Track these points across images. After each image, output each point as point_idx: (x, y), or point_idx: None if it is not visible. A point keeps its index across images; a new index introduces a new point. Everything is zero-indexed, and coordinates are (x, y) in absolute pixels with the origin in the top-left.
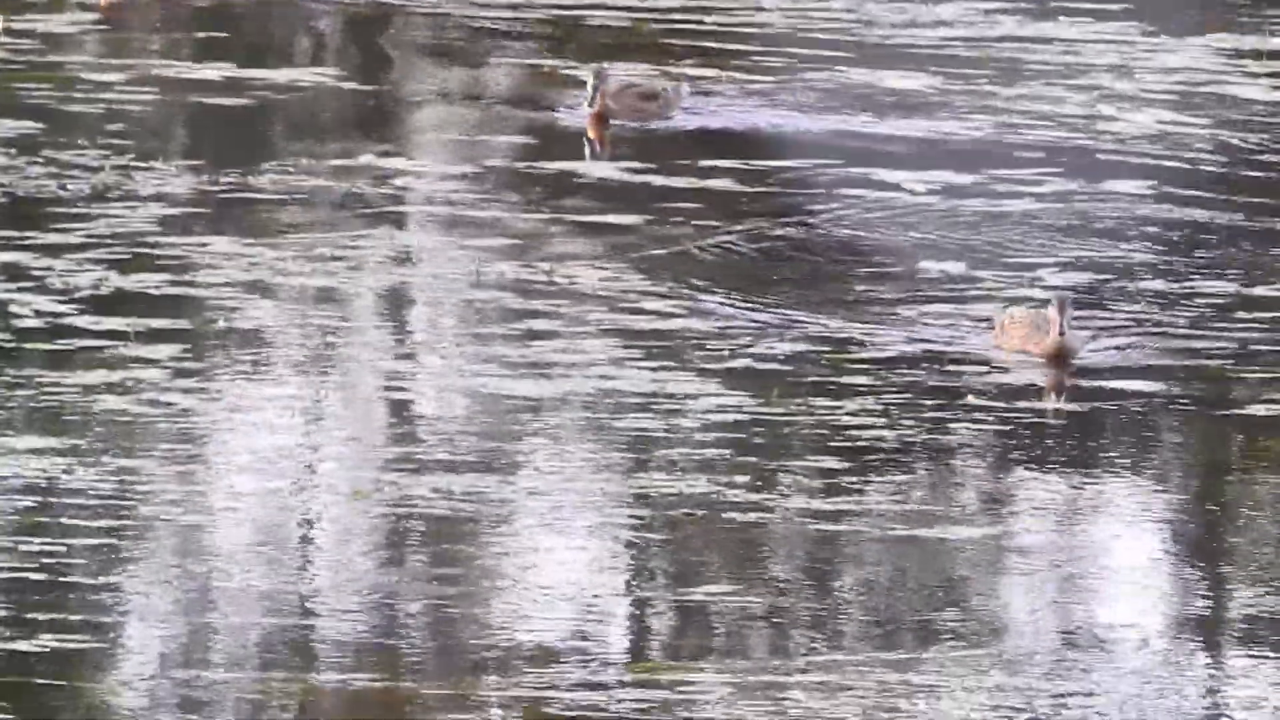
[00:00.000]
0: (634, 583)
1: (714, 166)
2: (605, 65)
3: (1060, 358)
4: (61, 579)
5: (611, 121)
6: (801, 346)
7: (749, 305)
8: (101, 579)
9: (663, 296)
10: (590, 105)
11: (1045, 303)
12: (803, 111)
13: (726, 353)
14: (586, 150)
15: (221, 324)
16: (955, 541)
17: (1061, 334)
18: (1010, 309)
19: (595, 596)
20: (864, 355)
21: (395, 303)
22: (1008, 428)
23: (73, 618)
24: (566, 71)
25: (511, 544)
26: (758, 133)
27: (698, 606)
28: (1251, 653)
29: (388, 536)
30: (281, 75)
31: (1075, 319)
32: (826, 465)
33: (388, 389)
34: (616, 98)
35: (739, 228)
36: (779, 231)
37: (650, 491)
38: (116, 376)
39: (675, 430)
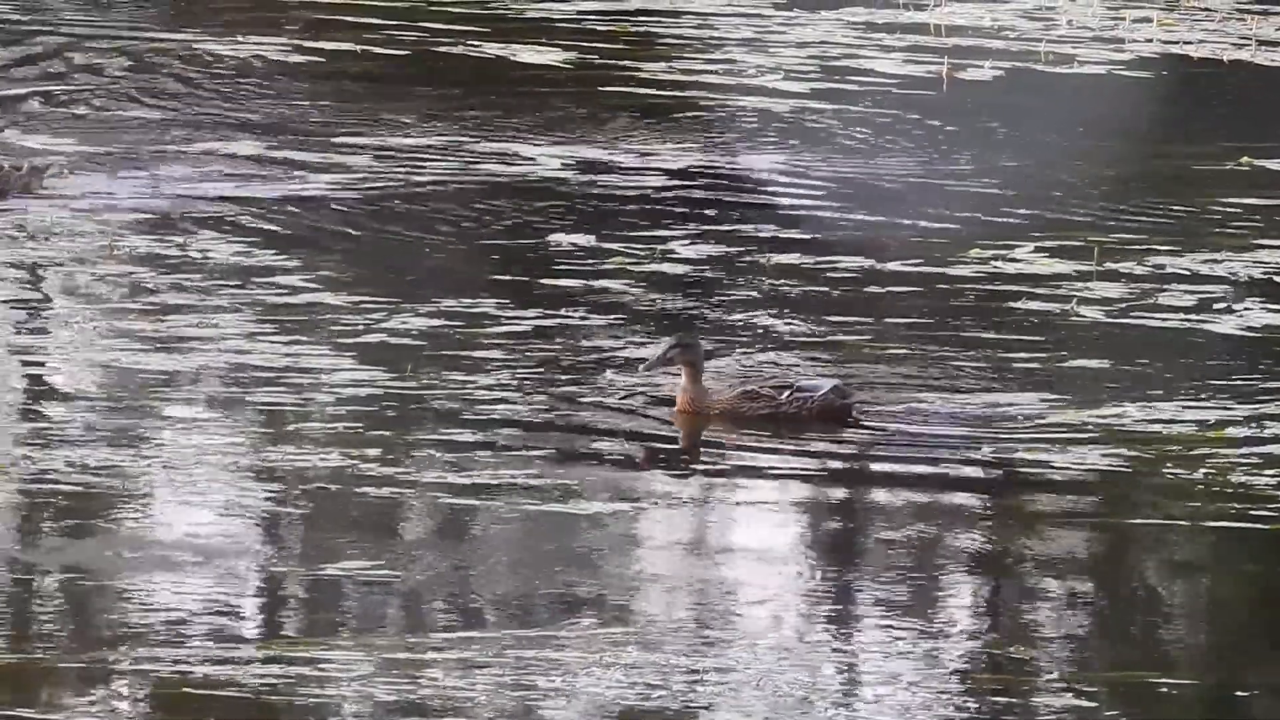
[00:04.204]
0: (269, 557)
1: (349, 144)
2: None
3: (692, 415)
4: None
5: None
6: (435, 321)
7: (384, 280)
8: None
9: (296, 271)
10: None
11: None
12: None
13: (360, 327)
14: None
15: None
16: (591, 517)
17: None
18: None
19: (230, 571)
20: (497, 330)
21: (29, 277)
22: (644, 403)
23: None
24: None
25: (146, 518)
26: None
27: (333, 581)
28: (885, 630)
29: (22, 510)
30: None
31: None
32: (460, 439)
33: (22, 363)
34: None
35: (371, 206)
36: (411, 207)
37: (284, 466)
38: None
39: (309, 404)
